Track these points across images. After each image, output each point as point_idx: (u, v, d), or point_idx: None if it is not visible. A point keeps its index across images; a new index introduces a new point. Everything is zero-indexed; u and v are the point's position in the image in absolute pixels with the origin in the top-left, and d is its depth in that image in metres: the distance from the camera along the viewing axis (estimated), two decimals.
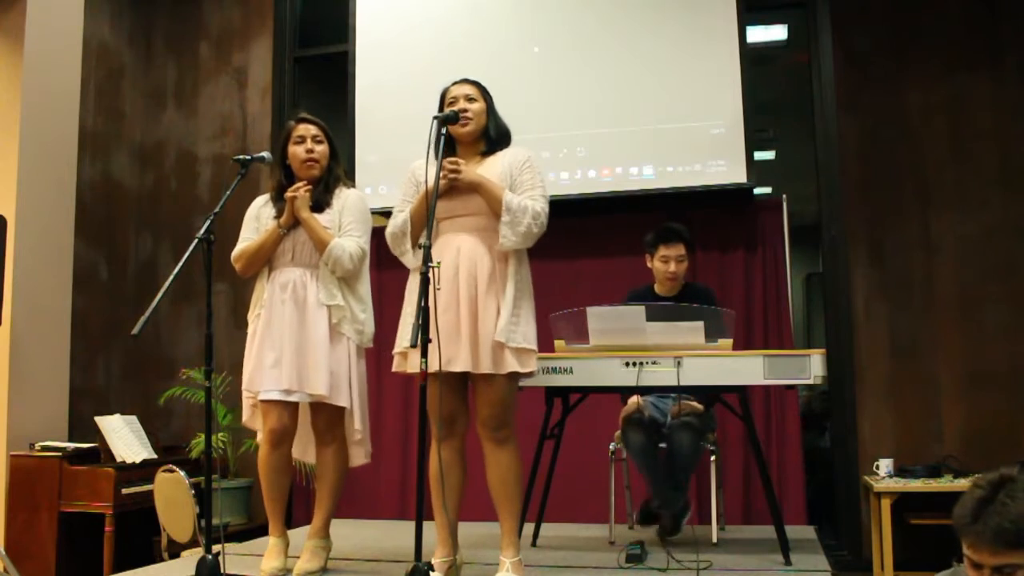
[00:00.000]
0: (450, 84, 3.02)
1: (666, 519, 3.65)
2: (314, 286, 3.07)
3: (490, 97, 3.02)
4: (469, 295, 2.79)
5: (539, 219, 2.84)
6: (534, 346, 2.83)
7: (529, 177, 2.91)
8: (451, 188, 2.84)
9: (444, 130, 2.85)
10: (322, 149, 3.18)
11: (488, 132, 2.99)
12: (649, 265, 3.82)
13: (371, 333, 3.19)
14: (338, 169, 3.24)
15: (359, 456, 3.20)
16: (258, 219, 3.19)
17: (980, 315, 4.44)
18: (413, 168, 3.02)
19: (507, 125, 3.06)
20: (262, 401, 3.08)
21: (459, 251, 2.83)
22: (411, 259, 2.93)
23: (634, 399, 3.69)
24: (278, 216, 3.11)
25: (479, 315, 2.77)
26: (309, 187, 3.10)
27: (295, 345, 3.02)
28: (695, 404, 3.62)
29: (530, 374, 2.88)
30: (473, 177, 2.83)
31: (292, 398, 3.04)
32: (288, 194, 3.08)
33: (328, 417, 3.10)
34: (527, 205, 2.82)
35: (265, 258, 3.13)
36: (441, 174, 2.76)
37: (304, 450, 3.28)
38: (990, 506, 1.58)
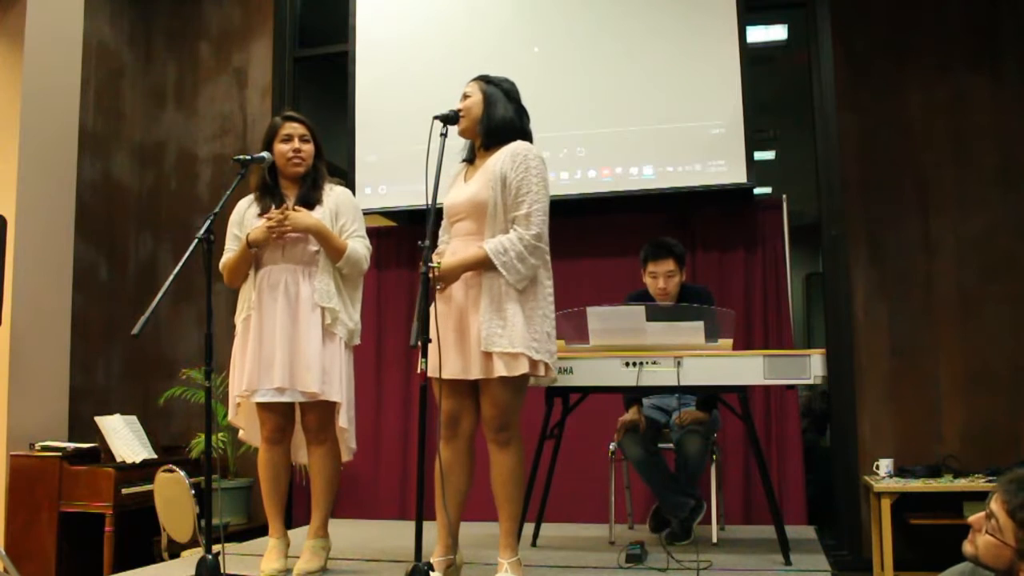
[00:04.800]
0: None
1: (675, 525, 3.65)
2: (307, 284, 3.07)
3: (493, 88, 2.92)
4: (458, 301, 2.78)
5: (536, 251, 2.74)
6: (522, 349, 2.67)
7: (524, 184, 2.75)
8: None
9: (445, 129, 2.84)
10: (308, 148, 3.17)
11: (482, 124, 2.89)
12: (644, 280, 3.84)
13: (359, 331, 3.20)
14: (323, 167, 3.24)
15: (344, 453, 3.20)
16: (242, 223, 3.16)
17: (980, 315, 4.44)
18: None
19: (511, 115, 2.91)
20: (258, 403, 3.08)
21: (453, 255, 2.81)
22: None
23: (632, 411, 3.69)
24: (262, 214, 3.09)
25: (468, 320, 2.76)
26: (287, 208, 3.04)
27: (287, 343, 3.01)
28: (698, 413, 3.62)
29: (546, 376, 2.79)
30: (455, 263, 2.71)
31: (285, 397, 3.03)
32: (274, 229, 3.00)
33: (319, 415, 3.09)
34: (518, 253, 2.69)
35: (244, 273, 3.13)
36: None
37: (295, 452, 3.28)
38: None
